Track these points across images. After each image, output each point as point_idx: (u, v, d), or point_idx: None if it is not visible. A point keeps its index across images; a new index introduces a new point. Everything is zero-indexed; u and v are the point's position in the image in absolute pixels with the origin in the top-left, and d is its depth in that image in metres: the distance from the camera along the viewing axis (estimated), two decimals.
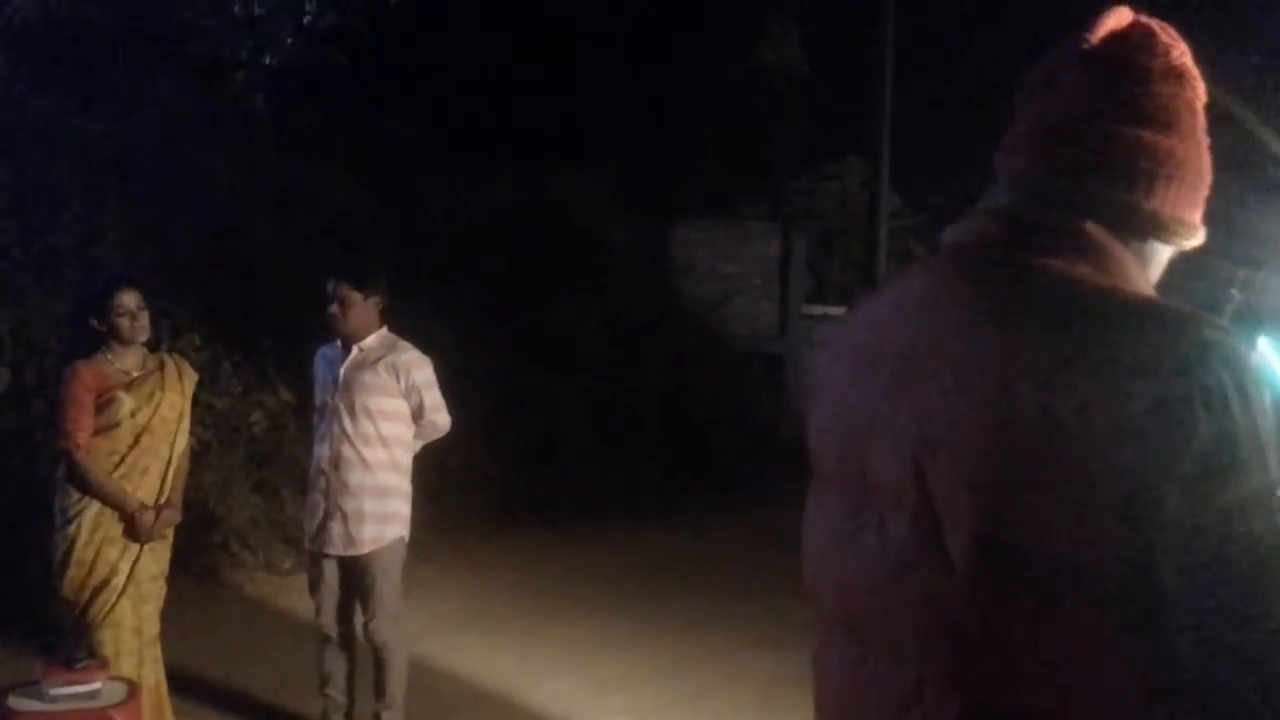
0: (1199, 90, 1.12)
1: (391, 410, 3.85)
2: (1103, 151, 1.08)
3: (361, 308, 3.84)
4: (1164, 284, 1.12)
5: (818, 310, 13.73)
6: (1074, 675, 0.95)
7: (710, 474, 9.68)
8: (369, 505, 3.80)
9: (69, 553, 3.47)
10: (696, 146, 13.24)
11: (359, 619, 3.91)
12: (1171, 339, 0.95)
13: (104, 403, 3.48)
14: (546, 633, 5.60)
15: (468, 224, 9.70)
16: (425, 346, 4.04)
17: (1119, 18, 1.12)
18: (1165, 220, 1.09)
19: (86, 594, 3.47)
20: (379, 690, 3.89)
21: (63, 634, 3.54)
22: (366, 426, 3.81)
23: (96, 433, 3.48)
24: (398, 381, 3.84)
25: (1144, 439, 0.92)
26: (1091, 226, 1.07)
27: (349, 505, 3.80)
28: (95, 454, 3.48)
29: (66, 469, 3.48)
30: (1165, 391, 0.93)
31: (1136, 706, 0.95)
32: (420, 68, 10.50)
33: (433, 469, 5.95)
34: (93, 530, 3.48)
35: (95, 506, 3.48)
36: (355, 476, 3.80)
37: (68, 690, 3.06)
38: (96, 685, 3.11)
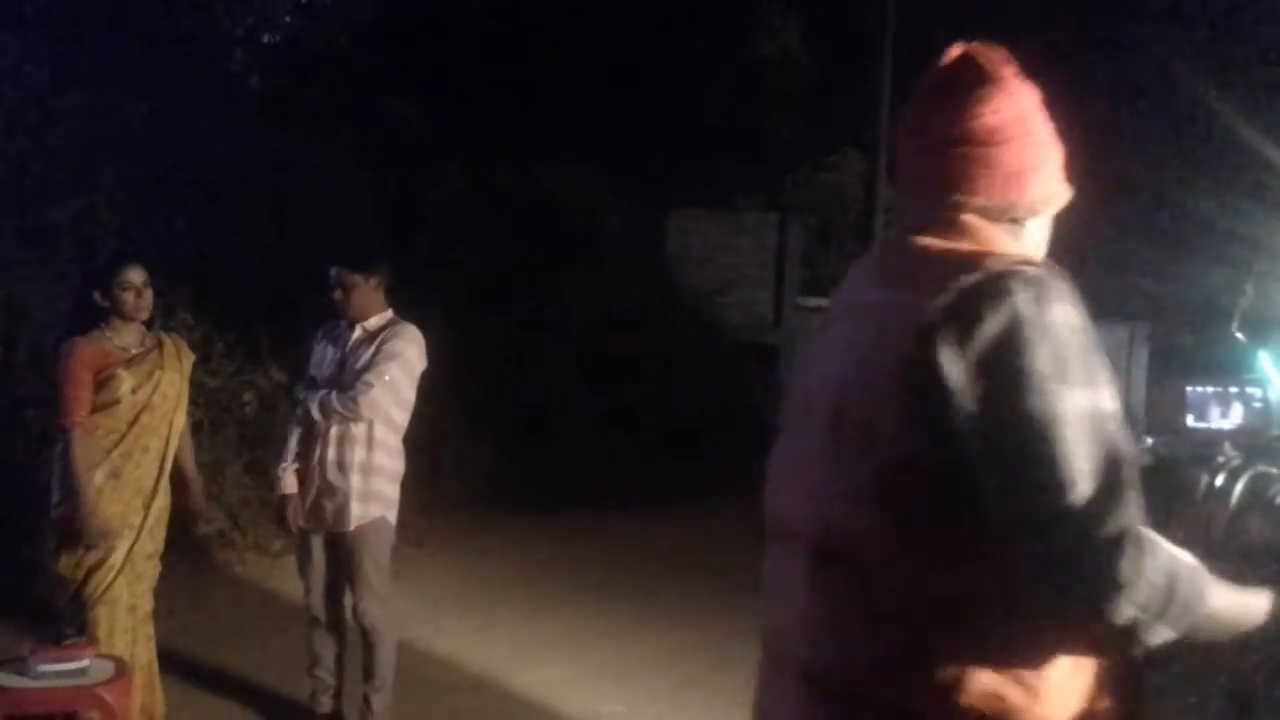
0: (1028, 94, 1.39)
1: None
2: (961, 170, 1.37)
3: (363, 289, 3.85)
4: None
5: (813, 302, 13.71)
6: (930, 545, 1.24)
7: (703, 464, 9.68)
8: (355, 482, 3.79)
9: (67, 530, 3.43)
10: (695, 136, 13.19)
11: (348, 601, 3.92)
12: (993, 272, 1.24)
13: (104, 380, 3.45)
14: (537, 619, 5.60)
15: (465, 210, 9.65)
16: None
17: (951, 55, 1.41)
18: (1027, 204, 1.39)
19: (83, 571, 3.44)
20: (368, 673, 3.89)
21: (52, 610, 3.52)
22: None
23: (96, 410, 3.44)
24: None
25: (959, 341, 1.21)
26: (968, 217, 1.37)
27: (338, 481, 3.79)
28: (95, 431, 3.44)
29: (64, 445, 3.44)
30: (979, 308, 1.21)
31: (977, 571, 1.21)
32: (420, 51, 10.44)
33: (425, 454, 5.93)
34: None
35: (95, 483, 3.44)
36: (346, 453, 3.80)
37: (55, 667, 3.04)
38: (84, 662, 3.10)
